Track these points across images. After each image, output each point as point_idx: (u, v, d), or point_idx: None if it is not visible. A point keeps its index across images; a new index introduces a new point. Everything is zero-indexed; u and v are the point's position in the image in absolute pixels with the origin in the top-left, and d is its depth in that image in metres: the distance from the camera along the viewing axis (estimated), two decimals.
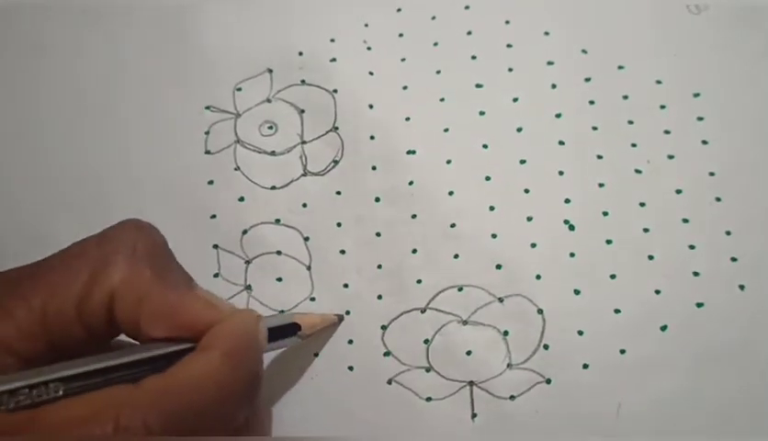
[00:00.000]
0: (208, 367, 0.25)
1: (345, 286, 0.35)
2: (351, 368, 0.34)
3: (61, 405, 0.23)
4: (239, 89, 0.39)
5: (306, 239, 0.36)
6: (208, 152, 0.38)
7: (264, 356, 0.29)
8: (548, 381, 0.32)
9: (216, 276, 0.36)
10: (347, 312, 0.34)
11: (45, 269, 0.27)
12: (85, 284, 0.26)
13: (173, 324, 0.26)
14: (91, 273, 0.26)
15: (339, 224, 0.36)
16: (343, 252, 0.35)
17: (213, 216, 0.37)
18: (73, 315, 0.26)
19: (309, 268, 0.35)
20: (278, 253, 0.36)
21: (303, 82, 0.39)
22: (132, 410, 0.23)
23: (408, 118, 0.37)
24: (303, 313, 0.33)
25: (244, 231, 0.36)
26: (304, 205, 0.37)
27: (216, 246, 0.36)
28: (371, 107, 0.38)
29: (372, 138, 0.37)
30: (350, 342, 0.34)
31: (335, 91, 0.38)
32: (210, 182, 0.38)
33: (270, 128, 0.38)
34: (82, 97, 0.40)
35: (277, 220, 0.36)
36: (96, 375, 0.25)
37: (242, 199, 0.37)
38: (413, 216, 0.36)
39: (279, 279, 0.35)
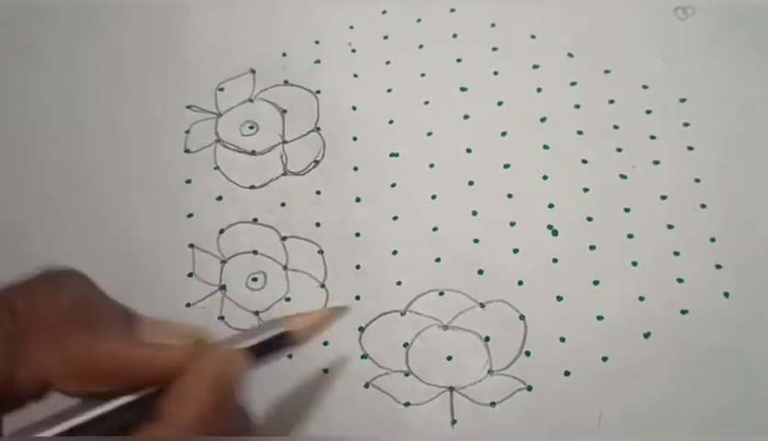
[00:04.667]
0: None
1: (322, 286, 0.34)
2: (326, 371, 0.33)
3: None
4: (221, 89, 0.39)
5: (283, 238, 0.35)
6: (187, 151, 0.38)
7: None
8: (530, 388, 0.31)
9: (190, 275, 0.35)
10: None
11: None
12: (4, 369, 0.22)
13: (125, 383, 0.23)
14: (8, 354, 0.22)
15: (318, 224, 0.35)
16: (321, 251, 0.35)
17: (190, 215, 0.36)
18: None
19: (285, 268, 0.35)
20: (255, 252, 0.35)
21: (286, 82, 0.38)
22: None
23: (392, 121, 0.37)
24: (291, 316, 0.26)
25: (221, 231, 0.36)
26: (283, 204, 0.36)
27: (191, 245, 0.35)
28: (354, 108, 0.37)
29: (355, 139, 0.37)
30: (325, 343, 0.33)
31: (318, 92, 0.38)
32: (188, 181, 0.37)
33: (251, 127, 0.38)
34: (66, 95, 0.40)
35: (255, 220, 0.36)
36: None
37: (220, 199, 0.36)
38: (395, 218, 0.35)
39: (255, 279, 0.34)
